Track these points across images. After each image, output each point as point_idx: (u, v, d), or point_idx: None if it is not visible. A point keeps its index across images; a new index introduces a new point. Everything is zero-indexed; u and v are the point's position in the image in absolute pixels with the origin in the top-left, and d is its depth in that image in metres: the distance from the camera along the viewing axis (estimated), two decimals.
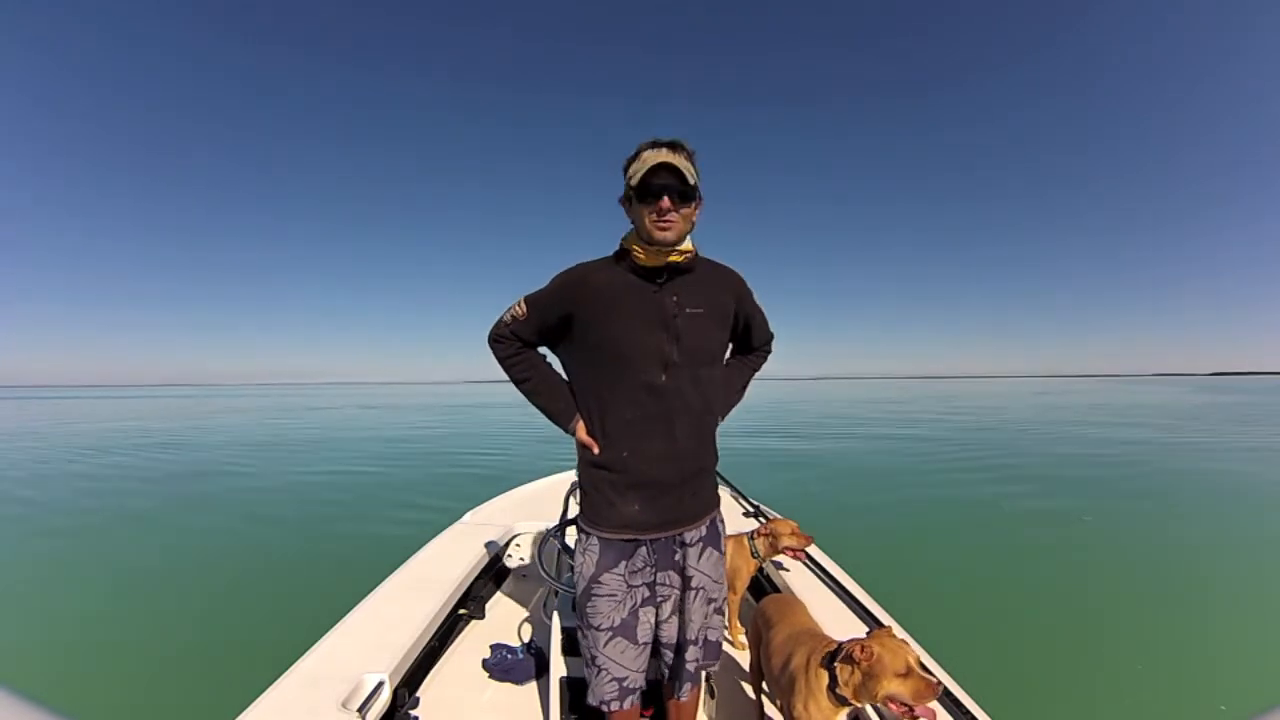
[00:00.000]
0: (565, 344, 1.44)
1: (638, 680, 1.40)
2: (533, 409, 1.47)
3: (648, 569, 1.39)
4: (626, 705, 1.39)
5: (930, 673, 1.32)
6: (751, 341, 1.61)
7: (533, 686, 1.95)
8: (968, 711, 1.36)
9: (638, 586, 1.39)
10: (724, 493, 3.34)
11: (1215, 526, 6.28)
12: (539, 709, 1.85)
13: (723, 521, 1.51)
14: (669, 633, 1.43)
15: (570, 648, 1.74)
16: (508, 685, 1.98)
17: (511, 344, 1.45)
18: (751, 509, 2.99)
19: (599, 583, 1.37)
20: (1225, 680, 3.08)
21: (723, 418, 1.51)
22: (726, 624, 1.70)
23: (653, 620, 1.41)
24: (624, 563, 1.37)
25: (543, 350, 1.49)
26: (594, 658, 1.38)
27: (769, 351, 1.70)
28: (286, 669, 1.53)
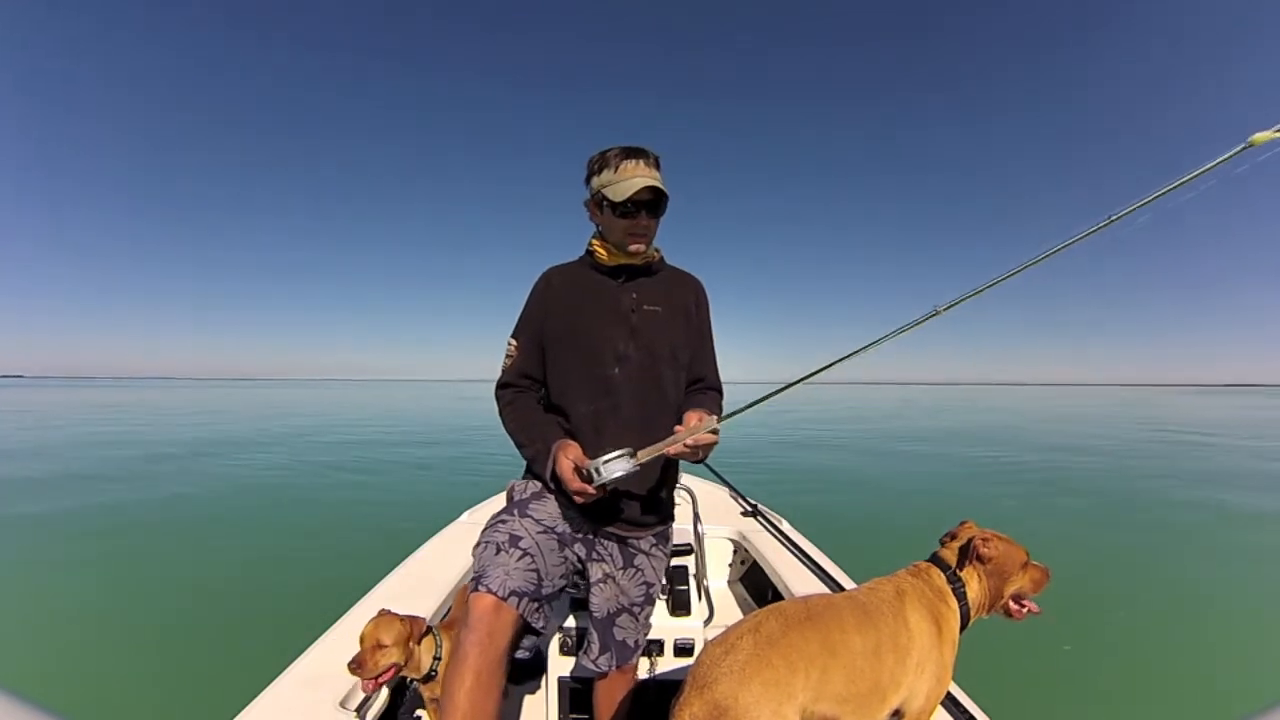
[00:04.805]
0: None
1: (520, 585, 1.25)
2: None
3: (587, 535, 1.38)
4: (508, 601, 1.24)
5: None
6: (694, 367, 1.49)
7: (531, 686, 1.95)
8: (966, 711, 1.37)
9: (577, 534, 1.35)
10: (722, 492, 3.32)
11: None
12: (538, 709, 1.85)
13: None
14: (596, 601, 1.41)
15: (570, 647, 1.74)
16: (506, 685, 1.97)
17: (509, 391, 1.43)
18: (750, 508, 2.98)
19: (543, 497, 1.35)
20: (1224, 683, 3.09)
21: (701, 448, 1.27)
22: (641, 638, 1.48)
23: (573, 561, 1.37)
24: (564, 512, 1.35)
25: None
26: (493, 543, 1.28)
27: (719, 394, 1.50)
28: (284, 669, 1.52)
